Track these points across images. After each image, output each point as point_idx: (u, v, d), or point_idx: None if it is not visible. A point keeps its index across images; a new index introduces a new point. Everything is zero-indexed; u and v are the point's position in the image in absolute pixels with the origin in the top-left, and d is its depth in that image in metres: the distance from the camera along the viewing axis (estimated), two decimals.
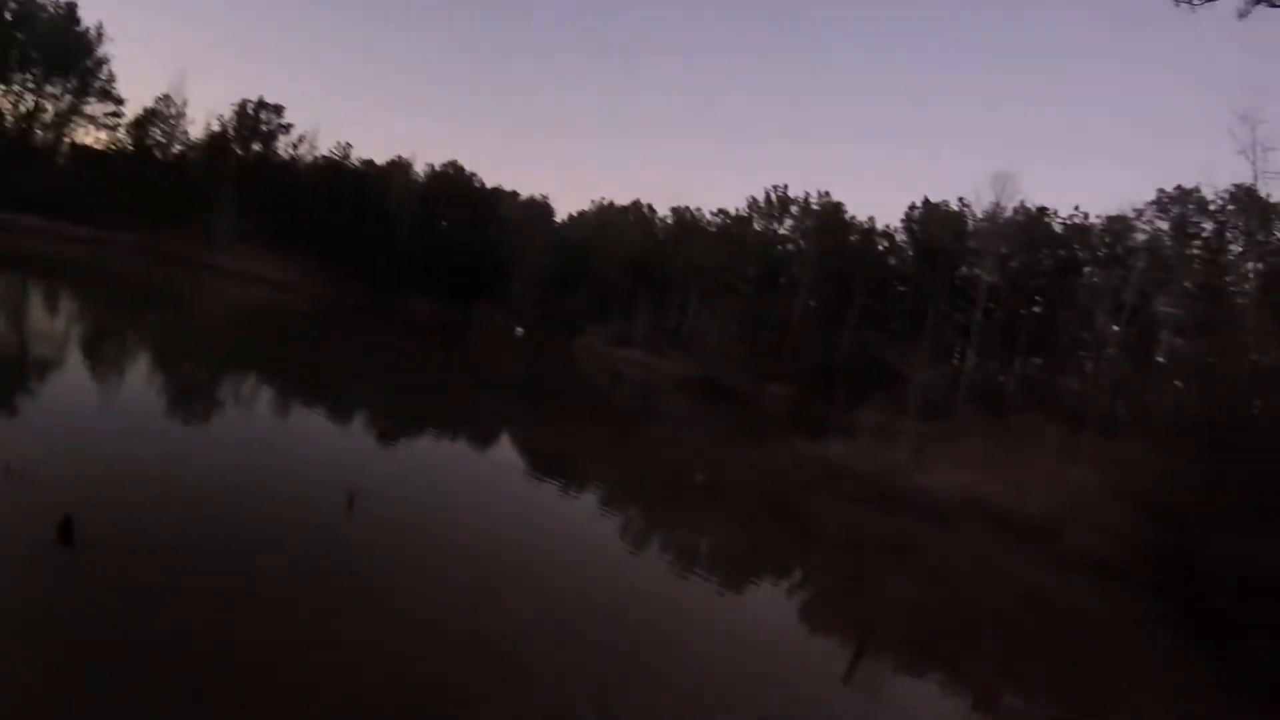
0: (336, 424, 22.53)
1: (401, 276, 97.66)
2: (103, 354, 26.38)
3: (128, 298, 44.55)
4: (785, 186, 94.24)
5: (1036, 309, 72.76)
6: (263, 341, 39.57)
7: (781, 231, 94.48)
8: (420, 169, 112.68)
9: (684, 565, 16.96)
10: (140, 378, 23.31)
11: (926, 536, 25.99)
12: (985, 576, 22.84)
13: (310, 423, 22.09)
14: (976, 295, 67.66)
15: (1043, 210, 74.82)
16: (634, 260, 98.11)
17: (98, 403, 18.40)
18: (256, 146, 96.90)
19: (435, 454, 21.57)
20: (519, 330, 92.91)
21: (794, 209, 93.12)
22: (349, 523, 13.26)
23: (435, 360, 47.59)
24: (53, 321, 30.37)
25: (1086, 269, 71.15)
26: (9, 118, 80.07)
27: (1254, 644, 13.81)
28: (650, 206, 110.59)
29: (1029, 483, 31.72)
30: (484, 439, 25.49)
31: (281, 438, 19.23)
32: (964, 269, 75.73)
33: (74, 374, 21.38)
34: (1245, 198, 53.35)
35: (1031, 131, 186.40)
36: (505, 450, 25.16)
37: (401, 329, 67.69)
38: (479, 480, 19.60)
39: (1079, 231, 73.13)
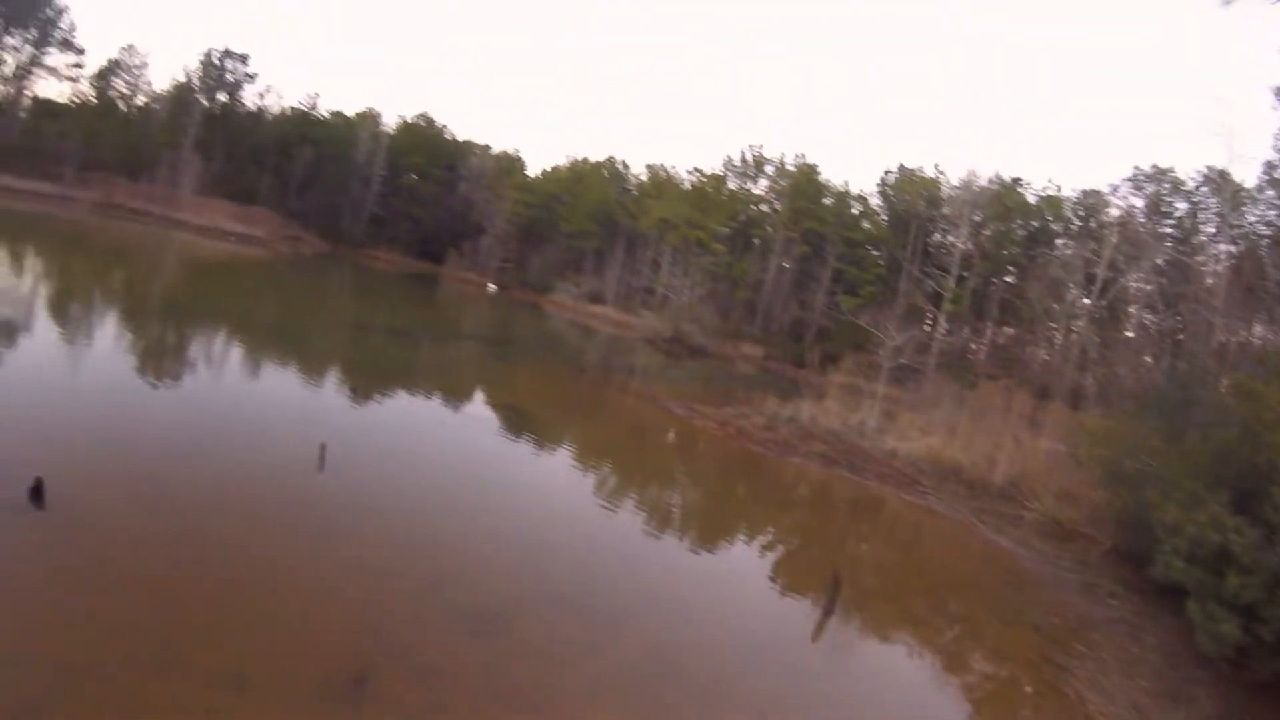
0: (304, 377, 22.85)
1: (369, 229, 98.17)
2: (65, 312, 26.44)
3: (88, 253, 44.53)
4: (760, 146, 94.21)
5: (1009, 279, 73.98)
6: (224, 295, 39.43)
7: (756, 191, 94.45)
8: (390, 120, 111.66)
9: (656, 524, 17.32)
10: (103, 335, 23.47)
11: (894, 499, 26.69)
12: (949, 540, 23.58)
13: (278, 377, 22.58)
14: (949, 262, 68.38)
15: (1016, 180, 75.85)
16: (606, 216, 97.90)
17: (64, 361, 18.62)
18: (222, 97, 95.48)
19: (404, 409, 21.90)
20: (491, 286, 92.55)
21: (769, 169, 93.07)
22: (319, 477, 13.38)
23: (402, 315, 47.39)
24: (14, 279, 30.17)
25: (1059, 241, 72.43)
26: None
27: (1203, 608, 14.48)
28: (624, 163, 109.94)
29: (996, 449, 32.57)
30: (453, 393, 25.48)
31: (247, 392, 19.56)
32: (938, 235, 75.95)
33: (39, 333, 21.59)
34: (1219, 179, 54.56)
35: (1012, 110, 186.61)
36: (475, 406, 25.33)
37: (368, 282, 67.17)
38: (448, 435, 19.92)
39: (1052, 203, 74.10)
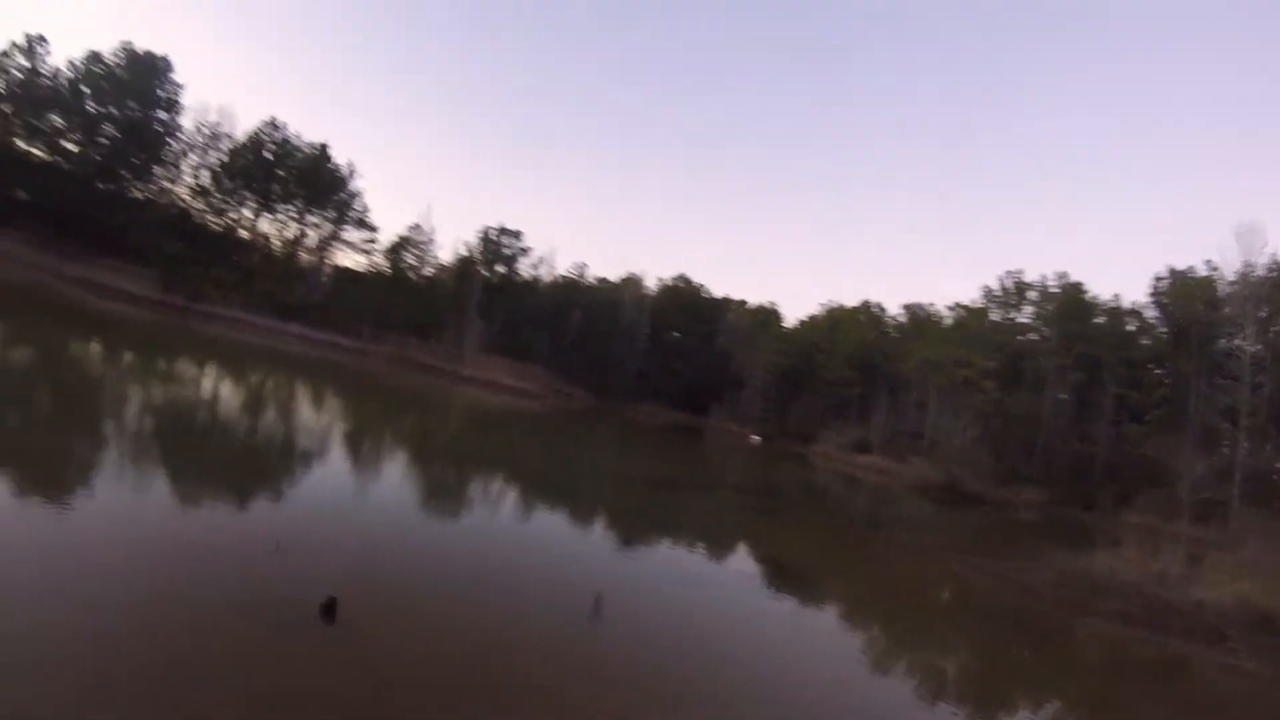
0: (574, 523, 23.49)
1: (634, 384, 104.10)
2: (360, 447, 28.97)
3: (382, 399, 49.25)
4: (1020, 271, 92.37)
5: None
6: (499, 443, 41.84)
7: (1020, 320, 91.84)
8: (651, 283, 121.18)
9: (928, 691, 17.17)
10: (391, 471, 25.42)
11: (1199, 660, 25.10)
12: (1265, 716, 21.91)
13: (549, 520, 23.23)
14: (1240, 369, 60.93)
15: None
16: (867, 361, 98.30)
17: (357, 492, 20.39)
18: (500, 268, 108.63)
19: (669, 560, 21.57)
20: (754, 438, 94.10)
21: (1031, 294, 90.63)
22: (593, 625, 13.54)
23: (665, 466, 48.61)
24: (316, 417, 34.14)
25: None
26: (278, 243, 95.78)
27: None
28: (880, 305, 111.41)
29: None
30: (717, 546, 24.94)
31: (520, 534, 20.28)
32: (1222, 341, 68.60)
33: (335, 465, 23.65)
34: None
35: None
36: (740, 557, 25.03)
37: (633, 434, 69.12)
38: (716, 586, 19.69)
39: None
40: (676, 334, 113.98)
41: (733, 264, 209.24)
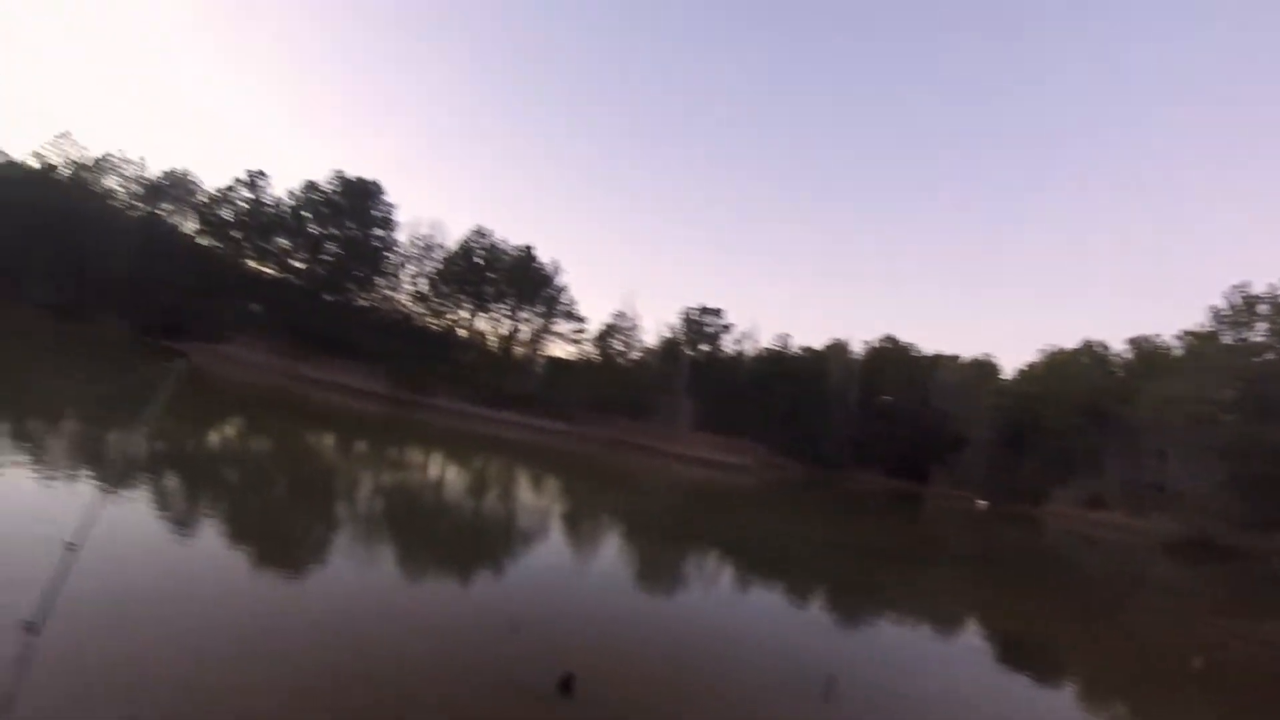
0: (794, 599, 22.92)
1: (846, 452, 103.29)
2: (581, 526, 30.23)
3: (599, 480, 51.20)
4: (1246, 284, 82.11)
5: None
6: (712, 517, 42.29)
7: (1256, 339, 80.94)
8: (857, 346, 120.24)
9: None
10: (615, 547, 26.36)
11: None
12: None
13: (769, 596, 22.93)
14: None
15: None
16: (1093, 407, 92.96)
17: (584, 568, 21.25)
18: (704, 346, 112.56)
19: (899, 636, 20.73)
20: (980, 502, 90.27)
21: (1262, 308, 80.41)
22: (825, 708, 13.17)
23: (883, 536, 47.35)
24: (539, 498, 36.21)
25: None
26: (493, 338, 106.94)
27: None
28: (1102, 344, 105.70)
29: None
30: (948, 620, 24.01)
31: (737, 607, 20.13)
32: None
33: (559, 542, 24.77)
34: None
35: None
36: (973, 633, 23.61)
37: (848, 505, 67.73)
38: (949, 664, 18.75)
39: None
40: (888, 397, 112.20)
41: (941, 317, 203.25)
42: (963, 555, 43.87)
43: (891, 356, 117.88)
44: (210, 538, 15.61)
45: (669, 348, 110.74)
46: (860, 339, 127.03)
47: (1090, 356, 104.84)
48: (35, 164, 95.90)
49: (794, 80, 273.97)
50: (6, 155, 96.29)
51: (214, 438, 32.55)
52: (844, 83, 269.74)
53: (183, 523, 16.24)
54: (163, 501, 17.55)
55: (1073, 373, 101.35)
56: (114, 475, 16.30)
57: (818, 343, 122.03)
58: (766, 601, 22.08)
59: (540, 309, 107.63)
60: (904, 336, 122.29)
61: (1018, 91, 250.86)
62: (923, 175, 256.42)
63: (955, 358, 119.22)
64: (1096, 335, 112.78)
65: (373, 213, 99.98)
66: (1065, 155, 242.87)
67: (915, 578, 32.51)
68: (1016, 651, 21.86)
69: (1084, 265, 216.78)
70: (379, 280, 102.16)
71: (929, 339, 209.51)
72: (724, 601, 20.53)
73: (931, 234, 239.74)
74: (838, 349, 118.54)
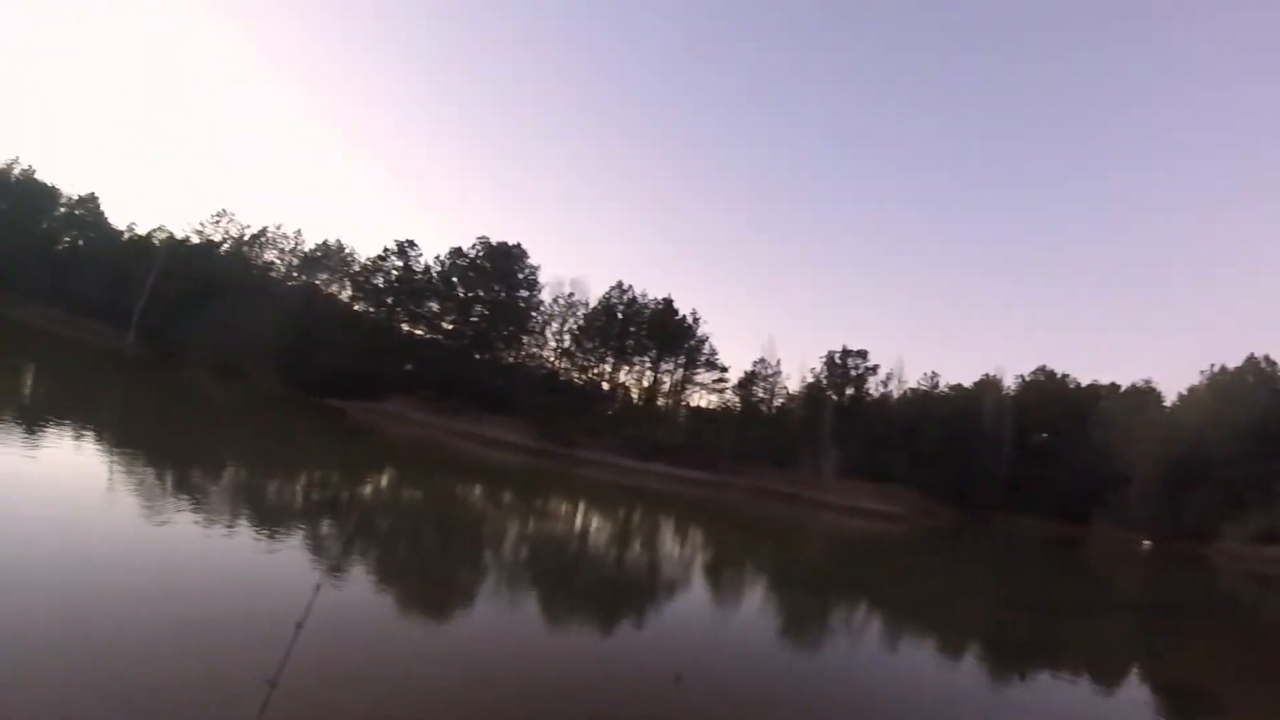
0: (949, 653, 22.26)
1: (1001, 496, 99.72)
2: (734, 577, 30.45)
3: (745, 530, 51.52)
4: None
5: None
6: (859, 567, 42.13)
7: None
8: (1009, 381, 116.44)
9: None
10: (767, 597, 26.51)
11: None
12: None
13: (923, 649, 22.59)
14: None
15: None
16: (1264, 432, 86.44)
17: (741, 619, 21.50)
18: (849, 390, 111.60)
19: (1065, 693, 19.54)
20: (1145, 543, 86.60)
21: None
22: None
23: (1042, 584, 45.68)
24: (691, 549, 37.05)
25: None
26: (637, 390, 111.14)
27: None
28: (1268, 358, 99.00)
29: None
30: (1114, 675, 22.60)
31: (901, 663, 19.84)
32: None
33: (715, 593, 25.08)
34: None
35: None
36: (1141, 689, 22.16)
37: (1004, 552, 65.63)
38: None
39: None
40: (1044, 434, 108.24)
41: (1098, 342, 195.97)
42: (1125, 603, 41.12)
43: (1047, 390, 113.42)
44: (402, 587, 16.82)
45: (812, 393, 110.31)
46: (1013, 372, 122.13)
47: (1256, 375, 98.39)
48: (197, 239, 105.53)
49: (915, 112, 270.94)
50: (170, 232, 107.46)
51: (386, 490, 35.38)
52: (999, 96, 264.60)
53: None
54: (369, 564, 18.39)
55: (1237, 394, 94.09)
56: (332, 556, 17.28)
57: (968, 379, 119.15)
58: (920, 656, 21.50)
59: (681, 359, 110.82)
60: (1058, 366, 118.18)
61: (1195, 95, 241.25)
62: (1082, 191, 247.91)
63: (1115, 386, 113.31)
64: (1262, 349, 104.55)
65: (517, 274, 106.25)
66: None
67: (1074, 629, 31.11)
68: (1190, 707, 20.42)
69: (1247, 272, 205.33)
70: (525, 338, 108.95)
71: (1085, 367, 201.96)
72: (878, 656, 20.38)
73: (1092, 249, 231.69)
74: (989, 385, 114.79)
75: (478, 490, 44.11)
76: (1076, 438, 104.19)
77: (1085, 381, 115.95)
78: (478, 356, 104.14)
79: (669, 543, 38.45)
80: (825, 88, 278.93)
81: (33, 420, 28.77)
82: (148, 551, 14.68)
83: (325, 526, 21.31)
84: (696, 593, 24.91)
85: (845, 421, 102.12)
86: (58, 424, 29.11)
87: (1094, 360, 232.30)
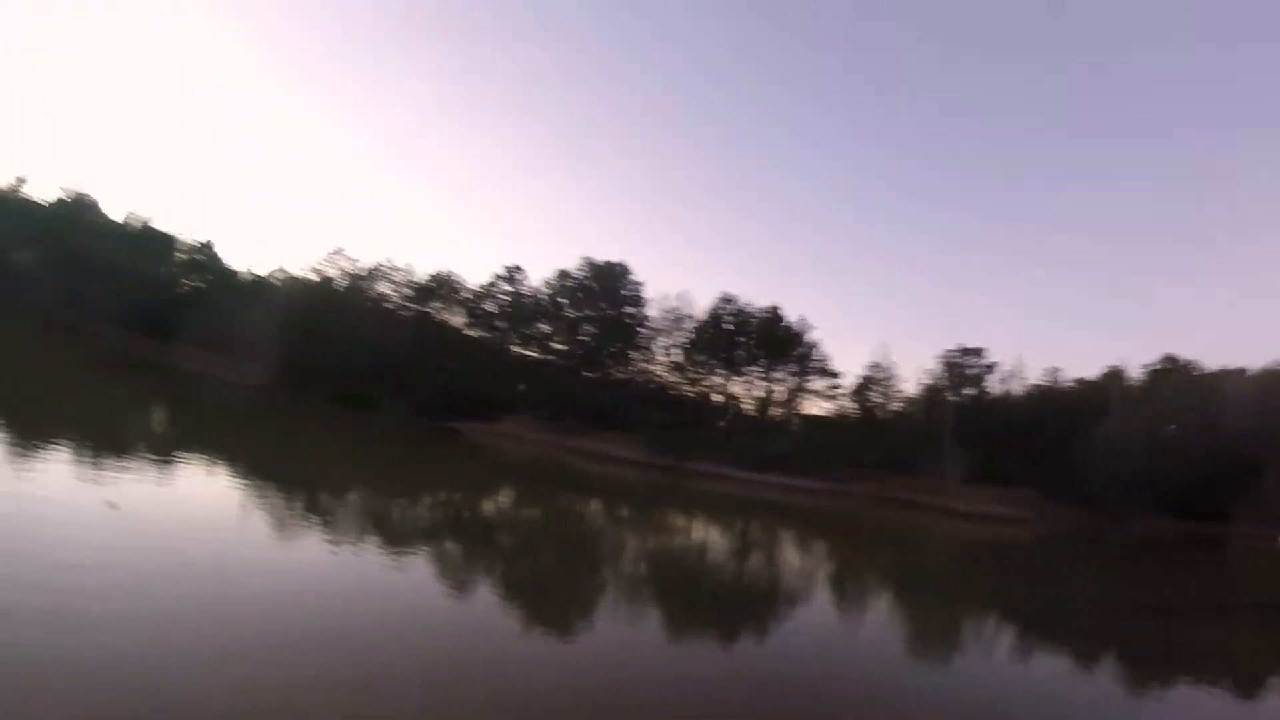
0: (1078, 663, 21.80)
1: (1132, 496, 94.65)
2: (857, 587, 31.00)
3: (867, 539, 52.04)
4: None
5: None
6: (983, 576, 41.89)
7: None
8: (1134, 371, 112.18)
9: None
10: (875, 609, 26.92)
11: None
12: None
13: (1049, 660, 22.32)
14: None
15: None
16: None
17: (869, 630, 21.95)
18: (968, 390, 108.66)
19: (1206, 705, 19.01)
20: None
21: None
22: None
23: (1177, 587, 44.35)
24: (807, 558, 38.10)
25: None
26: (749, 401, 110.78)
27: None
28: None
29: None
30: (1248, 682, 21.85)
31: (1018, 674, 19.87)
32: None
33: (819, 605, 25.38)
34: None
35: None
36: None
37: (1135, 555, 64.31)
38: None
39: None
40: (1172, 426, 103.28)
41: (1224, 327, 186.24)
42: (1260, 604, 40.90)
43: (1173, 378, 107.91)
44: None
45: (930, 395, 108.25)
46: (1138, 363, 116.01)
47: None
48: (314, 277, 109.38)
49: (997, 108, 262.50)
50: (288, 272, 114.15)
51: (512, 507, 38.02)
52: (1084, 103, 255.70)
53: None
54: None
55: None
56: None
57: (1091, 373, 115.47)
58: (1046, 668, 21.13)
59: (792, 368, 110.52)
60: (1184, 352, 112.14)
61: None
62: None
63: (1242, 370, 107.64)
64: None
65: (622, 292, 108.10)
66: None
67: (1206, 634, 30.46)
68: None
69: None
70: (634, 354, 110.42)
71: (1214, 353, 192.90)
72: (999, 667, 20.26)
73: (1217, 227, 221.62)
74: (1114, 377, 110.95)
75: (606, 508, 45.77)
76: (1208, 428, 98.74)
77: (1213, 368, 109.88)
78: (588, 375, 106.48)
79: (789, 554, 39.45)
80: (948, 82, 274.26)
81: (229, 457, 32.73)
82: None
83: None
84: (819, 604, 25.45)
85: (965, 422, 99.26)
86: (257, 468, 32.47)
87: (1220, 345, 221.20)
